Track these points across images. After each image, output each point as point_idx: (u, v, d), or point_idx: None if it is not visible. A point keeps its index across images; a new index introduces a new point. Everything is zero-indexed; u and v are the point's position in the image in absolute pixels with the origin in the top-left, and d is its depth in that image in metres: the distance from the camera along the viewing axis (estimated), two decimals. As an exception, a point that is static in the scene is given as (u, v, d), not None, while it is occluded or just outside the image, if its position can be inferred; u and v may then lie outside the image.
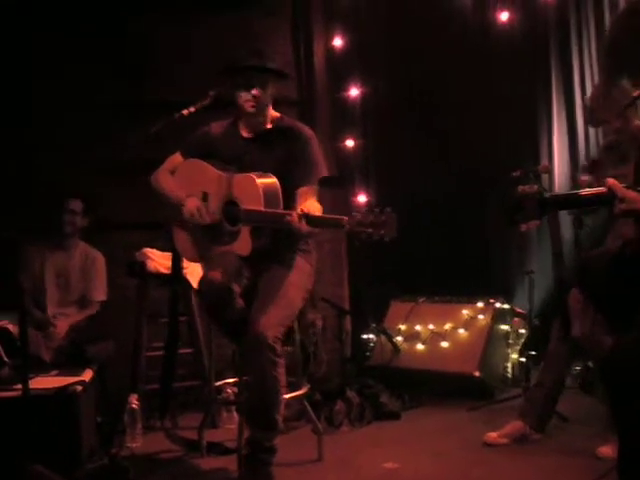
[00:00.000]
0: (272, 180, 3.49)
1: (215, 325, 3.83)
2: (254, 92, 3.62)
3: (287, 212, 3.27)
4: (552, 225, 2.84)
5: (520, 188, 2.67)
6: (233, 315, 3.58)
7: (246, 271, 3.64)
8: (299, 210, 3.24)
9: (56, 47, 5.59)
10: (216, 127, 3.87)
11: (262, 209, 3.38)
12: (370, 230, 2.94)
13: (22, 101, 5.58)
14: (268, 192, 3.43)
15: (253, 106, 3.64)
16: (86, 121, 5.54)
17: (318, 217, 3.22)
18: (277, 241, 3.55)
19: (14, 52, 5.58)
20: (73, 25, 5.63)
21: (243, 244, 3.49)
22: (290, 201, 3.52)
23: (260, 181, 3.44)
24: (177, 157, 3.88)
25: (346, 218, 3.01)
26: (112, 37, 5.73)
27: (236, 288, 3.57)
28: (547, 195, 2.64)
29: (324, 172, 3.69)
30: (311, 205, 3.42)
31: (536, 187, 2.61)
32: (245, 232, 3.48)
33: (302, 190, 3.57)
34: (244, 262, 3.59)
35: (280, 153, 3.66)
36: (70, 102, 5.58)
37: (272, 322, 3.38)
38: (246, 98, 3.63)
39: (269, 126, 3.75)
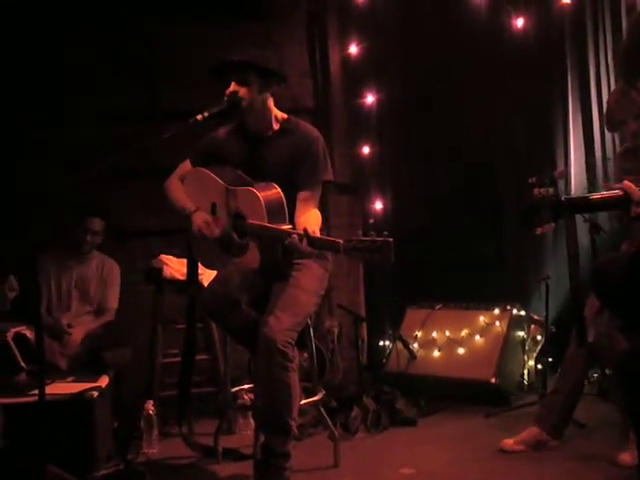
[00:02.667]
0: (275, 192, 3.44)
1: (224, 332, 3.84)
2: (231, 88, 3.57)
3: (289, 231, 3.23)
4: (568, 228, 2.82)
5: (536, 191, 2.66)
6: (238, 323, 3.59)
7: (258, 279, 3.63)
8: (300, 229, 3.22)
9: (76, 54, 5.65)
10: (223, 132, 3.85)
11: (266, 224, 3.34)
12: (365, 255, 2.92)
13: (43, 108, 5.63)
14: (271, 206, 3.38)
15: (243, 112, 3.61)
16: (101, 128, 5.57)
17: (317, 239, 3.18)
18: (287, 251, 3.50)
19: (44, 62, 5.64)
20: (90, 31, 5.67)
21: (252, 257, 3.47)
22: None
23: (263, 195, 3.40)
24: (187, 165, 3.87)
25: (341, 242, 2.98)
26: (128, 44, 5.77)
27: (244, 297, 3.59)
28: (563, 198, 2.63)
29: (329, 176, 3.67)
30: (311, 218, 3.41)
31: (552, 190, 2.61)
32: (253, 246, 3.46)
33: (303, 195, 3.55)
34: (256, 271, 3.58)
35: (287, 154, 3.62)
36: (86, 109, 5.62)
37: (282, 327, 3.38)
38: (230, 89, 3.57)
39: (276, 127, 3.71)
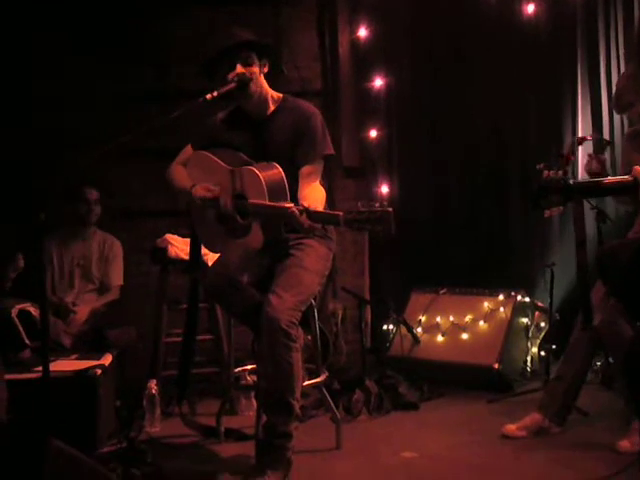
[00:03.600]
0: (276, 171, 3.43)
1: (228, 313, 3.85)
2: (237, 70, 3.55)
3: (289, 206, 3.21)
4: (576, 213, 2.80)
5: (545, 173, 2.65)
6: (242, 304, 3.60)
7: (261, 259, 3.64)
8: (300, 205, 3.21)
9: (80, 36, 5.64)
10: (221, 116, 3.85)
11: (266, 202, 3.34)
12: (366, 227, 2.92)
13: (47, 89, 5.63)
14: (271, 185, 3.38)
15: (249, 91, 3.59)
16: (108, 110, 5.57)
17: (317, 213, 3.18)
18: (290, 229, 3.51)
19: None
20: (95, 14, 5.67)
21: (255, 238, 3.48)
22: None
23: (263, 174, 3.40)
24: (188, 150, 3.87)
25: (342, 214, 2.97)
26: (136, 25, 5.76)
27: (247, 278, 3.59)
28: (571, 182, 2.62)
29: (329, 149, 3.65)
30: (313, 193, 3.43)
31: (561, 173, 2.60)
32: (256, 226, 3.46)
33: (305, 170, 3.54)
34: (259, 251, 3.59)
35: (287, 133, 3.62)
36: (94, 91, 5.61)
37: (286, 306, 3.38)
38: (239, 70, 3.55)
39: (273, 107, 3.71)
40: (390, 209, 2.90)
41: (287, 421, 3.43)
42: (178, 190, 3.80)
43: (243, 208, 3.49)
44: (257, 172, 3.40)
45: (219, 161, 3.65)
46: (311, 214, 3.15)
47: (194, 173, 3.77)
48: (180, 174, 3.82)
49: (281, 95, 3.76)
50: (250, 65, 3.58)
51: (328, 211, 3.24)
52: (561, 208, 2.87)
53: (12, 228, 4.58)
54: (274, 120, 3.68)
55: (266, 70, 3.68)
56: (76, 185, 5.12)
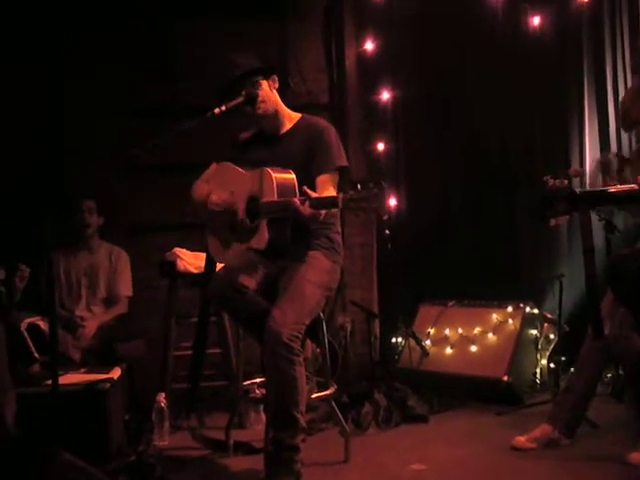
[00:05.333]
0: (289, 175, 3.54)
1: (234, 321, 3.87)
2: (244, 93, 3.68)
3: (291, 199, 3.32)
4: (583, 220, 2.80)
5: (551, 182, 2.65)
6: (247, 310, 3.62)
7: (265, 266, 3.67)
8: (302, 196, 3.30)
9: (88, 49, 5.67)
10: (246, 135, 3.99)
11: (274, 199, 3.44)
12: (363, 204, 2.99)
13: (54, 105, 5.65)
14: (282, 185, 3.48)
15: (258, 107, 3.73)
16: (118, 124, 5.59)
17: (317, 198, 3.27)
18: (296, 239, 3.59)
19: (46, 53, 5.65)
20: (106, 28, 5.69)
21: (260, 238, 3.54)
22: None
23: (276, 175, 3.50)
24: (213, 167, 3.95)
25: (340, 195, 3.11)
26: (145, 41, 5.78)
27: (252, 283, 3.61)
28: (578, 191, 2.62)
29: (342, 161, 3.72)
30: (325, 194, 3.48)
31: (567, 182, 2.60)
32: (262, 226, 3.53)
33: (321, 179, 3.61)
34: (262, 258, 3.63)
35: (302, 149, 3.70)
36: (102, 106, 5.63)
37: (288, 320, 3.39)
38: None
39: (289, 126, 3.83)
40: (384, 184, 3.03)
41: (293, 434, 3.44)
42: (196, 203, 3.85)
43: (254, 209, 3.56)
44: (270, 172, 3.50)
45: (239, 169, 3.74)
46: (312, 200, 3.24)
47: (214, 183, 3.84)
48: (201, 189, 3.88)
49: (299, 115, 3.87)
50: (257, 87, 3.72)
51: (327, 195, 3.34)
52: (567, 217, 2.87)
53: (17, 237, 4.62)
54: (289, 137, 3.79)
55: (277, 85, 3.82)
56: (74, 197, 5.14)
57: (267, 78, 3.78)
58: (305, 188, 3.30)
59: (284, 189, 3.46)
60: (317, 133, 3.72)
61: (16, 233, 4.83)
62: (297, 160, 3.66)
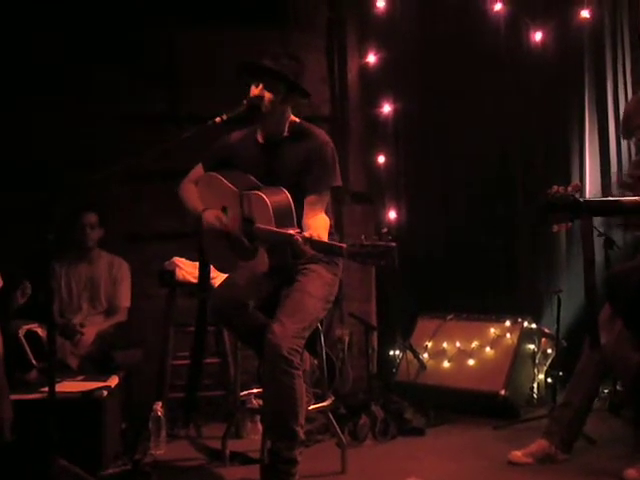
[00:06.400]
0: (283, 196, 3.45)
1: (233, 335, 3.86)
2: (260, 87, 3.59)
3: (294, 232, 3.23)
4: (585, 231, 2.79)
5: (554, 188, 2.65)
6: (246, 326, 3.62)
7: (267, 282, 3.65)
8: (305, 234, 3.20)
9: (86, 57, 5.68)
10: (235, 135, 3.87)
11: (272, 228, 3.35)
12: (369, 260, 2.91)
13: (51, 111, 5.65)
14: (279, 210, 3.39)
15: (263, 103, 3.61)
16: (117, 133, 5.59)
17: (320, 243, 3.18)
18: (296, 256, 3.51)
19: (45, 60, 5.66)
20: (106, 35, 5.70)
21: (261, 262, 3.50)
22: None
23: (271, 199, 3.41)
24: (199, 169, 3.90)
25: (345, 246, 2.97)
26: (145, 49, 5.79)
27: (252, 300, 3.60)
28: (581, 199, 2.62)
29: (337, 182, 3.65)
30: (318, 222, 3.44)
31: (570, 188, 2.60)
32: (262, 250, 3.49)
33: (311, 199, 3.54)
34: (265, 275, 3.61)
35: (298, 159, 3.62)
36: (100, 113, 5.64)
37: (288, 333, 3.38)
38: (254, 92, 3.61)
39: (287, 132, 3.72)
40: (393, 244, 2.88)
41: (291, 446, 3.43)
42: (189, 211, 3.82)
43: (250, 232, 3.50)
44: (265, 198, 3.41)
45: (229, 184, 3.66)
46: (315, 244, 3.16)
47: (204, 193, 3.80)
48: (191, 194, 3.84)
49: (297, 120, 3.77)
50: (273, 92, 3.60)
51: (332, 242, 3.23)
52: (570, 224, 2.87)
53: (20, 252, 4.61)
54: (286, 144, 3.69)
55: (287, 97, 3.66)
56: (75, 209, 5.12)
57: (288, 90, 3.64)
58: (309, 232, 3.21)
59: (281, 214, 3.39)
60: (316, 147, 3.62)
61: (18, 243, 4.83)
62: (291, 171, 3.60)
